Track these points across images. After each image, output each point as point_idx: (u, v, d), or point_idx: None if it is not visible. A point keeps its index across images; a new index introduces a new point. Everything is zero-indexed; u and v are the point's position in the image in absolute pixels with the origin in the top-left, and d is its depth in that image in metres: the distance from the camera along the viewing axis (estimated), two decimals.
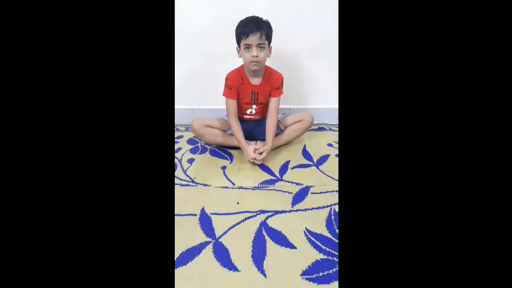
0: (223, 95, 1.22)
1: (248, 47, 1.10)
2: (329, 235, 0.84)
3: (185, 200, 0.98)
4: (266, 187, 1.06)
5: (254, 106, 1.27)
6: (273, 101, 1.24)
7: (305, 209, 0.95)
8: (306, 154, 1.29)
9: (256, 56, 1.10)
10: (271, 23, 1.14)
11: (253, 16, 1.12)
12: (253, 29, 1.07)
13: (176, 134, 1.49)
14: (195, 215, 0.92)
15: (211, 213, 0.93)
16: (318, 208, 0.96)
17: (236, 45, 1.16)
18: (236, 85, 1.20)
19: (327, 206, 0.96)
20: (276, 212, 0.93)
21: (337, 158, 1.25)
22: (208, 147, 1.34)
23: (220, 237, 0.84)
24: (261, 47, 1.10)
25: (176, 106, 1.49)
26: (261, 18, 1.12)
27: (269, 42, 1.14)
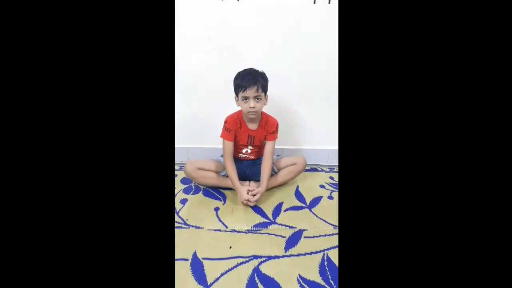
0: (221, 136, 1.26)
1: (245, 98, 1.17)
2: (322, 282, 0.84)
3: (177, 244, 0.97)
4: (259, 230, 1.06)
5: (249, 147, 1.31)
6: (268, 145, 1.28)
7: (298, 254, 0.94)
8: (299, 195, 1.30)
9: (253, 107, 1.16)
10: (265, 71, 1.21)
11: (250, 69, 1.19)
12: (250, 83, 1.14)
13: None
14: (187, 260, 0.91)
15: (203, 258, 0.92)
16: (311, 253, 0.95)
17: (234, 94, 1.22)
18: (234, 128, 1.25)
19: (320, 251, 0.96)
20: (269, 258, 0.92)
21: (330, 200, 1.27)
22: (202, 187, 1.35)
23: (212, 284, 0.82)
24: (257, 99, 1.17)
25: None
26: (257, 71, 1.19)
27: (265, 92, 1.21)
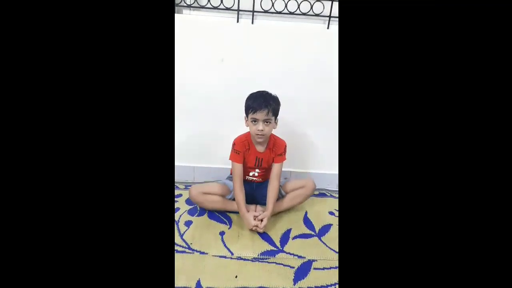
0: (230, 159, 1.22)
1: (255, 120, 1.14)
2: None
3: (180, 270, 0.92)
4: (266, 259, 1.01)
5: (257, 170, 1.27)
6: (275, 167, 1.25)
7: None
8: (307, 222, 1.25)
9: (262, 130, 1.14)
10: (277, 93, 1.19)
11: (263, 92, 1.16)
12: (262, 106, 1.11)
13: (175, 192, 1.45)
14: None
15: (207, 287, 0.87)
16: (321, 287, 0.90)
17: (244, 114, 1.19)
18: (243, 150, 1.22)
19: (331, 285, 0.91)
20: None
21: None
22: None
23: None
24: (267, 122, 1.14)
25: (177, 163, 1.49)
26: (271, 94, 1.16)
27: (276, 116, 1.18)
